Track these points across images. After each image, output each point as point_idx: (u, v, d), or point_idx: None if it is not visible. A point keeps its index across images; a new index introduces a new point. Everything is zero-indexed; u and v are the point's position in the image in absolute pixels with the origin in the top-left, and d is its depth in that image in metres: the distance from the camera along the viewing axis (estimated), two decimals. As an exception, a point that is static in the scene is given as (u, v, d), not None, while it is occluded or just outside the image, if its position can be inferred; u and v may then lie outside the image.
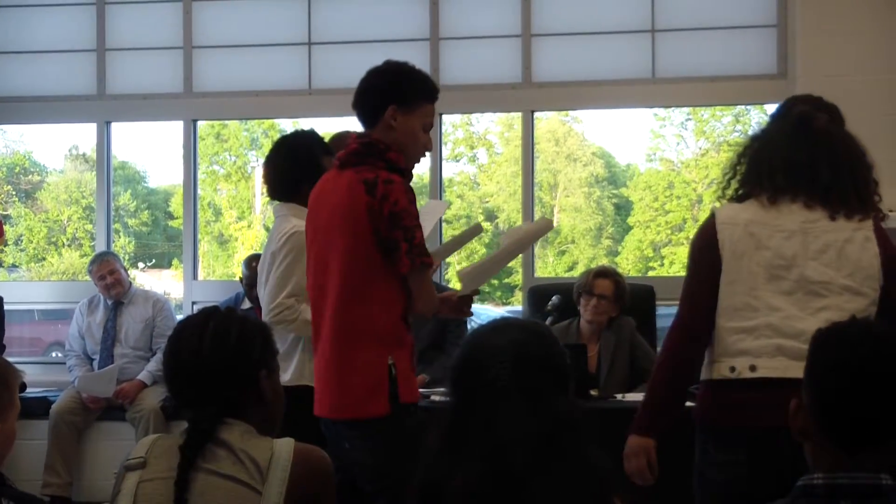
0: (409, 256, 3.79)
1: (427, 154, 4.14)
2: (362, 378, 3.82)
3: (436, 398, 4.96)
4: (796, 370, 3.08)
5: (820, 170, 3.42)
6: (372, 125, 3.96)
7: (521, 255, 7.13)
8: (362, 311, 3.84)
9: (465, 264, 4.30)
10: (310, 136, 4.78)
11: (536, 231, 4.55)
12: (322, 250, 3.95)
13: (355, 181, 3.83)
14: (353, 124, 5.19)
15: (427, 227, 4.15)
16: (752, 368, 3.31)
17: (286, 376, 4.41)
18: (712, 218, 3.49)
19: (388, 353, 3.83)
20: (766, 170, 3.47)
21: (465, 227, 17.88)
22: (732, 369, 3.35)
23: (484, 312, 10.64)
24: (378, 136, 3.94)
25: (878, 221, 3.49)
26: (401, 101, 3.93)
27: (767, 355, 3.31)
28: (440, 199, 8.09)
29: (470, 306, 4.24)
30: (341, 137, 4.87)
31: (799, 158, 3.44)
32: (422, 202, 4.04)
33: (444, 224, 4.98)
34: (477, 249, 17.27)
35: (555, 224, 21.41)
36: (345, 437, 3.90)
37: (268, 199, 5.01)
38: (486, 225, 19.21)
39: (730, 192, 3.56)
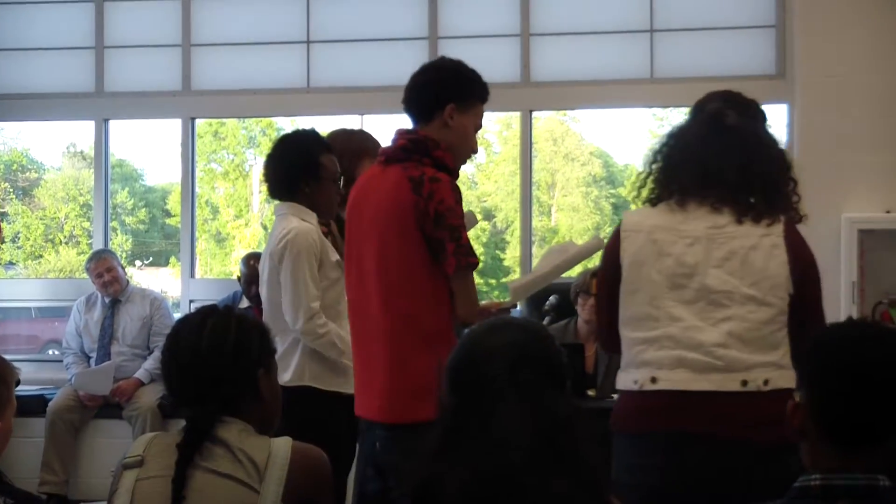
0: (455, 256, 3.73)
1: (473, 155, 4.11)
2: (413, 382, 3.72)
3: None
4: (698, 383, 3.13)
5: (728, 170, 3.28)
6: (426, 121, 3.90)
7: (519, 260, 7.13)
8: (411, 312, 3.77)
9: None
10: (310, 136, 4.76)
11: (589, 249, 4.47)
12: (365, 249, 3.88)
13: (401, 178, 3.77)
14: (351, 122, 5.20)
15: None
16: (654, 380, 3.22)
17: (286, 376, 4.40)
18: (619, 226, 3.40)
19: (438, 356, 3.77)
20: (675, 171, 3.35)
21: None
22: (635, 381, 3.27)
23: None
24: (427, 132, 3.88)
25: (792, 225, 3.31)
26: (459, 99, 3.89)
27: (668, 367, 3.20)
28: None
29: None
30: (346, 135, 4.86)
31: (708, 158, 3.31)
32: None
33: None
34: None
35: (552, 223, 21.40)
36: (378, 437, 3.84)
37: (265, 197, 4.97)
38: (483, 224, 19.18)
39: (645, 193, 3.44)
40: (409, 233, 3.74)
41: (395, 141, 3.92)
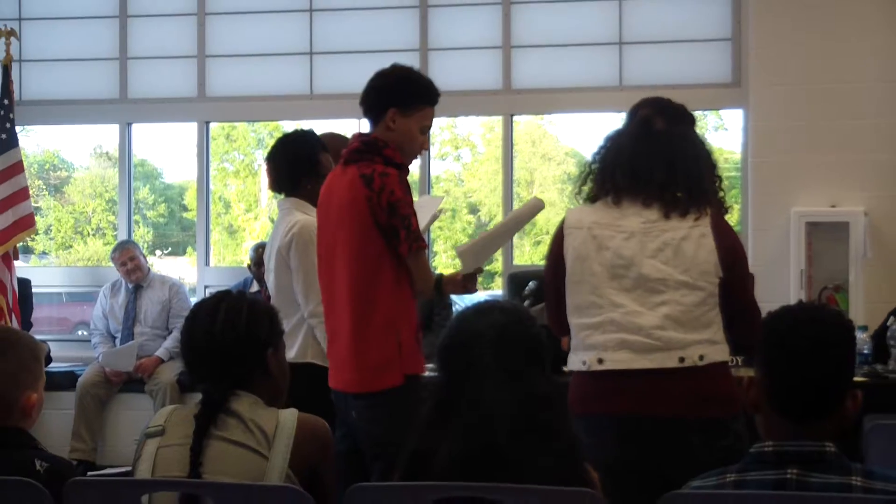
0: (407, 241, 3.78)
1: (422, 153, 4.12)
2: (376, 355, 3.81)
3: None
4: (640, 362, 3.16)
5: (655, 170, 3.29)
6: (375, 123, 3.93)
7: (502, 249, 7.13)
8: (372, 294, 3.82)
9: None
10: (309, 135, 4.73)
11: (529, 209, 4.49)
12: (332, 240, 3.93)
13: (356, 177, 3.82)
14: (351, 126, 5.19)
15: (423, 220, 4.11)
16: (600, 361, 3.23)
17: (290, 353, 4.39)
18: (562, 223, 3.41)
19: (396, 331, 3.82)
20: (610, 172, 3.36)
21: (453, 219, 17.85)
22: (584, 363, 3.28)
23: (468, 296, 10.64)
24: (376, 134, 3.91)
25: (718, 216, 3.33)
26: (400, 104, 3.89)
27: (612, 349, 3.22)
28: (429, 193, 8.09)
29: (475, 284, 4.10)
30: (331, 137, 4.83)
31: (638, 160, 3.31)
32: (415, 198, 3.99)
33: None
34: (461, 240, 17.27)
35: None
36: (353, 407, 3.89)
37: (272, 194, 4.95)
38: (468, 217, 19.18)
39: (584, 192, 3.45)
40: (367, 224, 3.79)
41: (350, 144, 3.96)
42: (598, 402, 3.24)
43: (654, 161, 3.30)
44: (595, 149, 3.49)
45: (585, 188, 3.45)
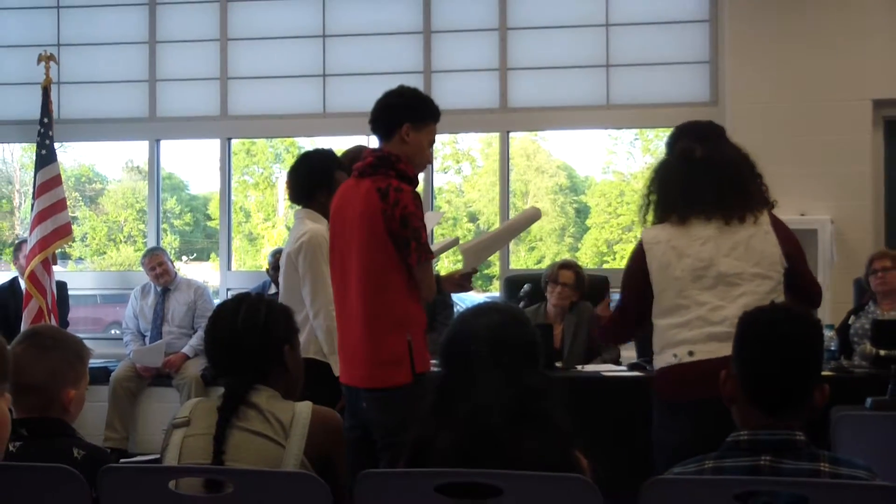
0: (417, 252, 3.78)
1: (428, 165, 4.13)
2: (388, 353, 3.80)
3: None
4: (726, 349, 3.16)
5: (706, 194, 3.47)
6: (388, 138, 3.92)
7: (498, 252, 7.12)
8: (384, 297, 3.82)
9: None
10: (327, 154, 4.74)
11: (527, 218, 4.51)
12: (346, 247, 3.92)
13: (371, 189, 3.81)
14: (360, 141, 5.18)
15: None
16: (691, 353, 3.37)
17: None
18: (640, 241, 3.57)
19: (407, 333, 3.82)
20: (668, 199, 3.54)
21: (454, 227, 17.87)
22: (675, 356, 3.41)
23: (468, 298, 10.64)
24: (390, 149, 3.90)
25: (773, 215, 3.52)
26: (413, 119, 3.91)
27: (701, 342, 3.36)
28: (432, 204, 8.10)
29: (470, 283, 4.17)
30: (354, 151, 4.84)
31: (689, 188, 3.50)
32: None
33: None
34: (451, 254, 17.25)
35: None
36: (363, 398, 3.88)
37: (289, 203, 4.96)
38: (468, 226, 19.19)
39: (649, 218, 3.62)
40: (380, 234, 3.79)
41: (364, 158, 3.95)
42: (684, 390, 3.38)
43: (702, 187, 3.48)
44: (646, 181, 3.68)
45: (649, 217, 3.63)
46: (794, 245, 3.53)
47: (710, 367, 3.25)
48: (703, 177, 3.49)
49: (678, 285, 3.44)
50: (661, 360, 3.50)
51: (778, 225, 3.51)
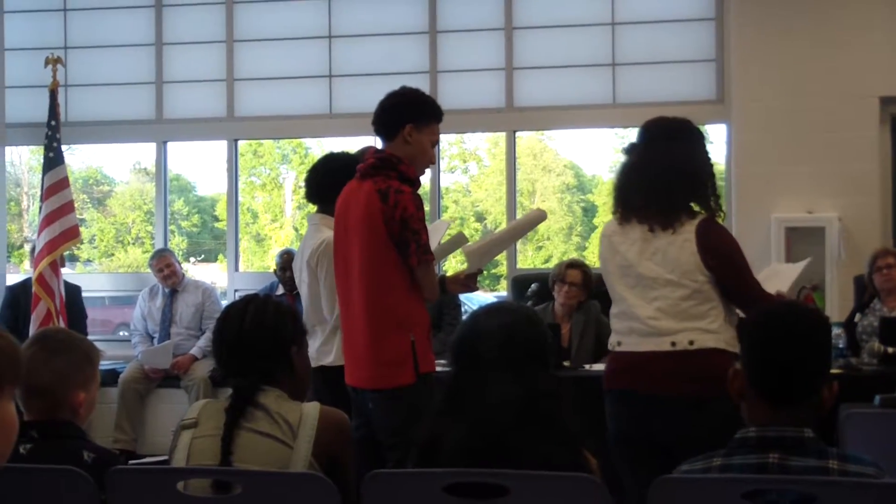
0: (416, 254, 3.78)
1: (431, 165, 4.12)
2: (392, 354, 3.80)
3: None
4: (644, 345, 3.49)
5: (635, 197, 3.55)
6: (390, 139, 3.92)
7: (506, 252, 7.12)
8: (386, 298, 3.82)
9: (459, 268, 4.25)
10: (349, 158, 4.66)
11: (532, 219, 4.50)
12: (348, 249, 3.93)
13: (372, 191, 3.81)
14: (367, 142, 5.18)
15: (434, 241, 4.12)
16: (619, 343, 3.55)
17: (330, 358, 4.44)
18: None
19: (410, 333, 3.82)
20: (614, 198, 3.67)
21: (462, 226, 17.87)
22: (609, 345, 3.62)
23: (476, 298, 10.64)
24: (392, 150, 3.90)
25: (704, 223, 3.48)
26: (416, 120, 3.90)
27: (625, 334, 3.53)
28: (439, 204, 8.10)
29: (475, 283, 4.16)
30: (363, 153, 4.83)
31: (624, 191, 3.62)
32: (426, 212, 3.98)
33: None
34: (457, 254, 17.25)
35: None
36: (369, 399, 3.89)
37: (296, 205, 4.94)
38: (476, 225, 19.19)
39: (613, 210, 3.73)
40: (381, 235, 3.79)
41: (366, 159, 3.95)
42: (615, 379, 3.57)
43: (632, 192, 3.57)
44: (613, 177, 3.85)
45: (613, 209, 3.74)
46: (722, 255, 3.47)
47: (633, 359, 3.51)
48: (636, 181, 3.58)
49: (610, 279, 3.61)
50: (608, 344, 3.69)
51: (705, 233, 3.46)
